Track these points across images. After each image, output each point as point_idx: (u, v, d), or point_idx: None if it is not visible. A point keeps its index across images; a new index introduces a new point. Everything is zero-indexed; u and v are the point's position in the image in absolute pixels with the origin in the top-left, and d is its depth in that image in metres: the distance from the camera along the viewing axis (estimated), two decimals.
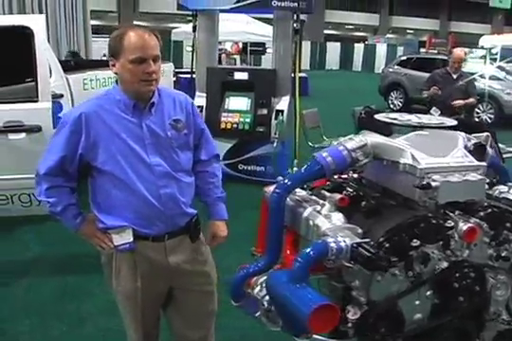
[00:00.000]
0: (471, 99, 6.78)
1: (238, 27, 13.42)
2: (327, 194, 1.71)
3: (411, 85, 13.20)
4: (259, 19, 15.90)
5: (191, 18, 6.76)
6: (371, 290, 1.56)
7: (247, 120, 6.04)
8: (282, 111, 6.01)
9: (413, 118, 6.41)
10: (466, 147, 1.86)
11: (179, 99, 2.14)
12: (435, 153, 1.73)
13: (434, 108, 6.53)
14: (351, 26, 43.24)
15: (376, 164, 1.81)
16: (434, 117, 6.38)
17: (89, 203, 2.11)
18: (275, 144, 5.87)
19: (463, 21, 40.26)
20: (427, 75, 12.74)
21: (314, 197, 1.73)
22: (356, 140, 1.73)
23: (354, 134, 1.77)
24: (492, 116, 11.49)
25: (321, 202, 1.69)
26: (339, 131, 7.88)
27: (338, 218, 1.63)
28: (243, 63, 15.30)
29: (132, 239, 2.03)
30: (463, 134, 1.90)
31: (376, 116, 6.99)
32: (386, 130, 7.44)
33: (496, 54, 15.46)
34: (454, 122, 6.06)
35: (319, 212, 1.67)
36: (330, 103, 13.08)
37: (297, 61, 6.21)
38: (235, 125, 6.03)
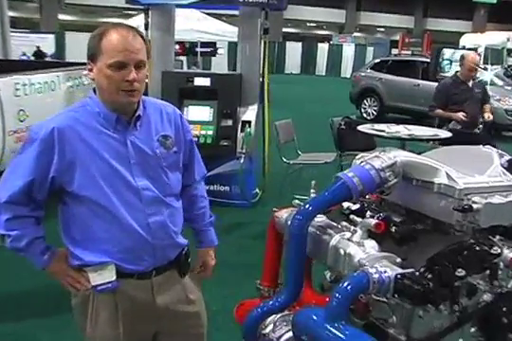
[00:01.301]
0: (489, 106, 6.91)
1: (188, 25, 13.48)
2: (358, 219, 1.77)
3: (387, 92, 13.65)
4: (209, 14, 16.08)
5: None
6: (412, 327, 1.62)
7: (210, 133, 6.09)
8: (249, 122, 6.09)
9: (403, 130, 6.64)
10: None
11: (167, 112, 2.16)
12: (470, 172, 1.81)
13: (454, 122, 6.57)
14: (313, 24, 44.04)
15: (402, 184, 1.88)
16: (425, 129, 6.64)
17: (57, 232, 2.08)
18: (242, 160, 5.93)
19: (440, 17, 40.78)
20: (405, 80, 13.42)
21: (344, 223, 1.78)
22: (384, 158, 1.79)
23: (382, 150, 1.84)
24: (481, 126, 11.91)
25: (352, 228, 1.75)
26: (314, 145, 8.06)
27: (372, 246, 1.69)
28: (192, 67, 15.35)
29: (115, 277, 2.00)
30: (494, 149, 2.00)
31: (360, 128, 7.20)
32: (369, 143, 7.64)
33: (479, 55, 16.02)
34: (448, 134, 6.28)
35: (349, 240, 1.73)
36: (295, 113, 13.25)
37: (266, 64, 6.34)
38: (195, 138, 6.02)
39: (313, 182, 2.01)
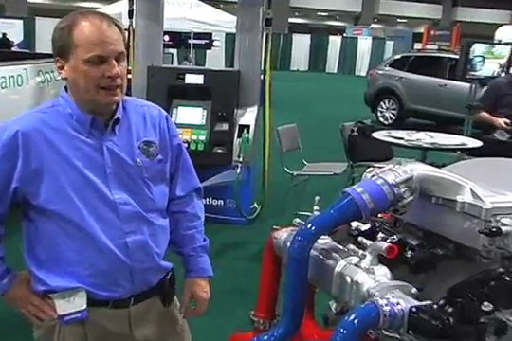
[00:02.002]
0: None
1: (179, 13, 13.57)
2: (367, 242, 1.77)
3: (408, 93, 13.69)
4: (203, 1, 16.15)
5: None
6: None
7: (202, 138, 6.09)
8: (247, 126, 6.11)
9: (424, 138, 6.67)
10: None
11: (150, 114, 2.16)
12: (500, 189, 1.81)
13: (500, 131, 6.42)
14: (324, 14, 44.17)
15: (419, 202, 1.88)
16: (451, 137, 6.65)
17: (20, 251, 2.07)
18: (238, 170, 5.92)
19: (473, 6, 40.57)
20: (429, 79, 13.43)
21: (351, 246, 1.78)
22: (399, 172, 1.79)
23: (396, 163, 1.84)
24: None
25: (360, 252, 1.75)
26: (322, 153, 8.07)
27: (383, 273, 1.69)
28: (184, 61, 15.40)
29: (85, 305, 1.99)
30: None
31: (375, 135, 7.24)
32: (385, 152, 7.69)
33: None
34: (478, 143, 6.26)
35: (357, 266, 1.73)
36: (302, 116, 13.29)
37: (268, 59, 6.36)
38: (185, 144, 6.05)
39: (316, 197, 2.01)
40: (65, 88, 2.03)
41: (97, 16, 1.94)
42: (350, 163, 6.74)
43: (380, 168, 1.86)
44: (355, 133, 6.79)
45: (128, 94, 2.13)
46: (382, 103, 14.36)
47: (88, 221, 1.96)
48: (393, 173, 1.80)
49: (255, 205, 6.56)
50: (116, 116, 2.02)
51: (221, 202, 6.33)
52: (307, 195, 5.58)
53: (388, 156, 6.58)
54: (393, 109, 14.18)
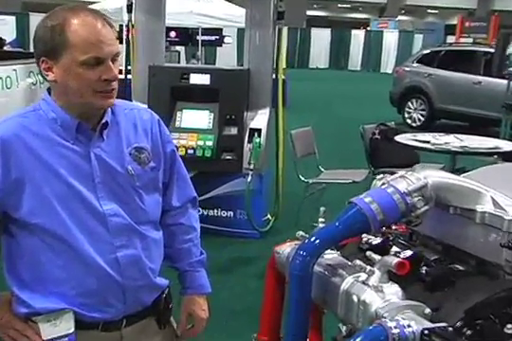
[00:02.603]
0: None
1: (186, 7, 13.62)
2: (376, 257, 1.76)
3: (439, 91, 13.64)
4: None
5: None
6: None
7: (209, 144, 6.09)
8: (258, 130, 6.11)
9: (454, 141, 6.63)
10: None
11: (141, 118, 2.16)
12: None
13: None
14: (346, 5, 44.14)
15: (437, 212, 1.87)
16: (483, 139, 6.60)
17: (1, 273, 2.07)
18: (249, 178, 5.92)
19: None
20: (461, 76, 13.26)
21: (358, 261, 1.77)
22: (412, 179, 1.78)
23: (408, 170, 1.84)
24: None
25: (368, 268, 1.74)
26: (341, 159, 8.01)
27: (394, 291, 1.67)
28: (192, 60, 15.45)
29: (72, 329, 1.98)
30: None
31: (398, 138, 7.22)
32: (410, 157, 7.68)
33: None
34: None
35: (364, 283, 1.71)
36: (319, 118, 13.30)
37: (280, 56, 6.37)
38: (191, 151, 6.08)
39: (322, 209, 2.00)
40: (48, 91, 2.04)
41: (88, 13, 1.94)
42: (371, 169, 6.70)
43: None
44: (376, 136, 6.76)
45: (126, 97, 2.12)
46: (409, 103, 14.30)
47: (75, 234, 1.95)
48: (405, 181, 1.79)
49: (268, 216, 6.53)
50: (104, 120, 2.02)
51: (231, 213, 6.32)
52: (324, 205, 5.55)
53: (413, 162, 6.54)
54: (422, 109, 14.11)
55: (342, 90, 21.21)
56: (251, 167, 5.93)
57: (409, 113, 14.32)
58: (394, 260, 1.69)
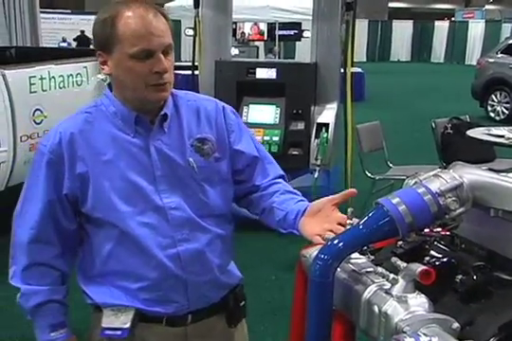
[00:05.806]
0: None
1: (262, 1, 13.60)
2: (401, 264, 1.62)
3: None
4: None
5: None
6: None
7: (275, 139, 6.10)
8: (326, 125, 6.06)
9: None
10: None
11: (205, 108, 2.13)
12: None
13: None
14: None
15: (476, 214, 1.72)
16: None
17: None
18: (316, 174, 5.91)
19: None
20: None
21: (380, 269, 1.63)
22: (446, 178, 1.63)
23: (440, 167, 1.70)
24: None
25: (391, 276, 1.60)
26: (412, 154, 7.82)
27: (419, 303, 1.52)
28: (269, 54, 15.42)
29: (129, 324, 1.98)
30: None
31: (470, 133, 6.99)
32: (486, 153, 7.45)
33: None
34: None
35: (388, 293, 1.58)
36: (396, 112, 13.12)
37: (349, 50, 6.24)
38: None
39: (349, 209, 1.88)
40: (109, 86, 2.06)
41: (141, 5, 1.94)
42: (443, 165, 6.49)
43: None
44: (448, 130, 6.55)
45: (194, 91, 2.14)
46: (493, 96, 14.04)
47: (134, 228, 1.97)
48: (438, 180, 1.65)
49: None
50: (162, 112, 2.02)
51: None
52: None
53: (489, 158, 6.32)
54: (506, 102, 13.84)
55: (424, 83, 20.91)
56: (318, 162, 5.94)
57: (492, 106, 14.05)
58: (419, 268, 1.54)
